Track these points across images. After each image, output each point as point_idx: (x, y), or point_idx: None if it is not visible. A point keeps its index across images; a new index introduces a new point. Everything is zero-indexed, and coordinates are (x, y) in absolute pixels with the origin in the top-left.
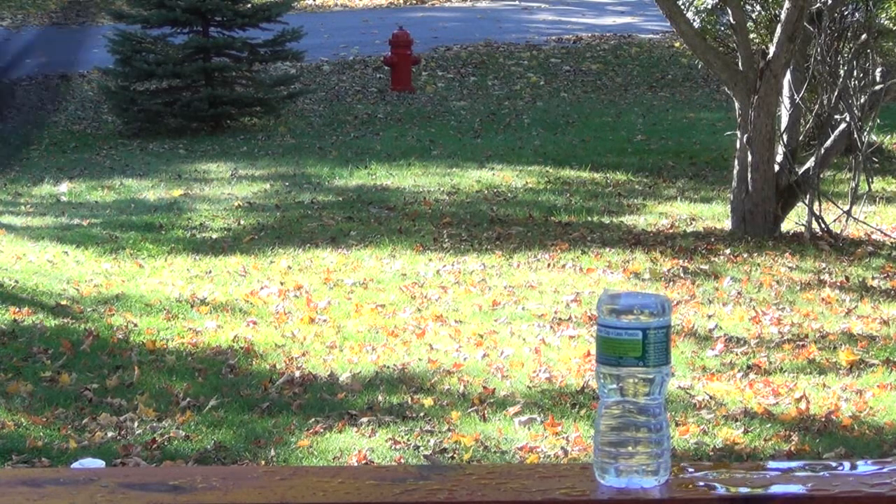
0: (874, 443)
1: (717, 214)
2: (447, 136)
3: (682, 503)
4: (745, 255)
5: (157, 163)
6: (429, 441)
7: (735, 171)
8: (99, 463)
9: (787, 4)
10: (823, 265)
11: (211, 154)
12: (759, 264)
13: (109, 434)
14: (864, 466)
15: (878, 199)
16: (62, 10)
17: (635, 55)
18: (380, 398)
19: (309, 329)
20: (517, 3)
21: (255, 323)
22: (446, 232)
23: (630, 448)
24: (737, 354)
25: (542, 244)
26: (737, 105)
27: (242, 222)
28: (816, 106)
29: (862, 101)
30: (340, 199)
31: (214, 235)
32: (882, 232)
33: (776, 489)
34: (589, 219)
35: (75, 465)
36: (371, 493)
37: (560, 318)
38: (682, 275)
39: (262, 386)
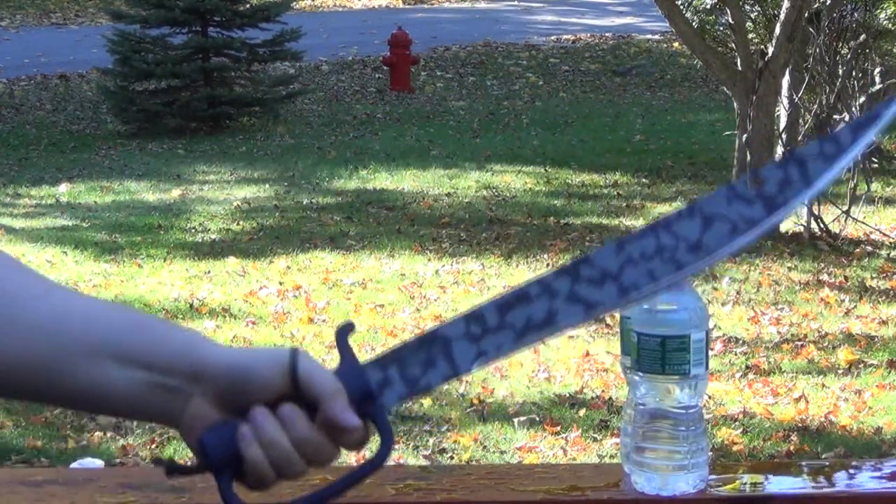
0: (873, 443)
1: None
2: (446, 136)
3: (683, 503)
4: (744, 255)
5: (155, 163)
6: (428, 441)
7: (734, 172)
8: (98, 463)
9: (785, 4)
10: (822, 265)
11: (210, 154)
12: (757, 264)
13: (109, 434)
14: (864, 466)
15: (876, 199)
16: None
17: (634, 55)
18: None
19: (308, 329)
20: (517, 3)
21: (254, 323)
22: (445, 232)
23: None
24: (736, 354)
25: (541, 244)
26: (735, 105)
27: (241, 222)
28: (815, 106)
29: (861, 101)
30: (339, 199)
31: (213, 236)
32: (881, 232)
33: (776, 489)
34: (588, 219)
35: (75, 465)
36: (371, 493)
37: None
38: None
39: None
